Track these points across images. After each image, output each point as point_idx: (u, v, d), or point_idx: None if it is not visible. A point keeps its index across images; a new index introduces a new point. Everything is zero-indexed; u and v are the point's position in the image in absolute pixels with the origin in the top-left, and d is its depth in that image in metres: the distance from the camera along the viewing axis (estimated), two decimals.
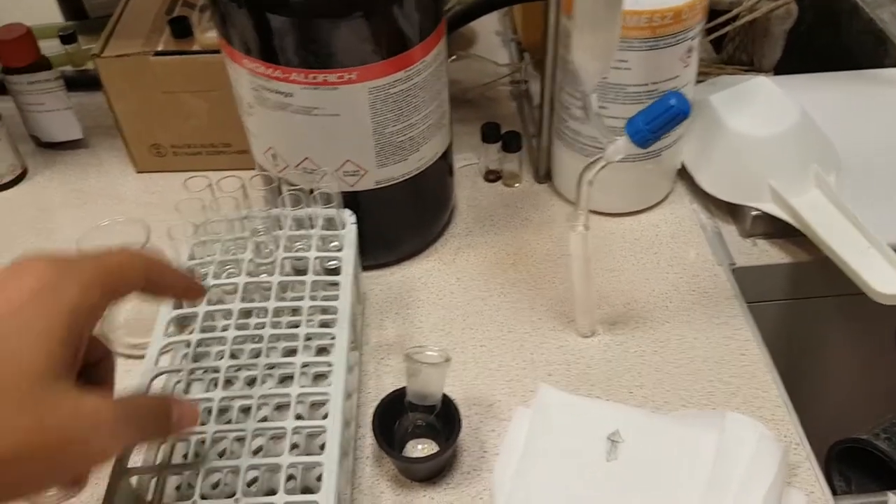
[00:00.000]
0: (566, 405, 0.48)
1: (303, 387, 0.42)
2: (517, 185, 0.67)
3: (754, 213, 0.59)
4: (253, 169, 0.60)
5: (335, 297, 0.49)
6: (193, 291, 0.38)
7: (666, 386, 0.51)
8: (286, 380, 0.49)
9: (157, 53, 0.60)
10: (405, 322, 0.56)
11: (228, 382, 0.43)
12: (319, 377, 0.50)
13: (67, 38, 0.79)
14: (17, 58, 0.67)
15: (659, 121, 0.39)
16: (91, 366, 0.34)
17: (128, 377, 0.53)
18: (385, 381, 0.52)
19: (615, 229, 0.62)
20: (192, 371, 0.43)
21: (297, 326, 0.50)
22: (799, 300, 0.62)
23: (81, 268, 0.30)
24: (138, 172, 0.69)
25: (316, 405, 0.48)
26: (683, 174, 0.64)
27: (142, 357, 0.54)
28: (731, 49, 0.71)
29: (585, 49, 0.40)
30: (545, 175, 0.66)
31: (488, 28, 0.86)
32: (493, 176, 0.68)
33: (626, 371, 0.52)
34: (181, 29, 0.60)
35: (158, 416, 0.33)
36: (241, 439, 0.40)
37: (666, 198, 0.64)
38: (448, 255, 0.61)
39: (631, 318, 0.55)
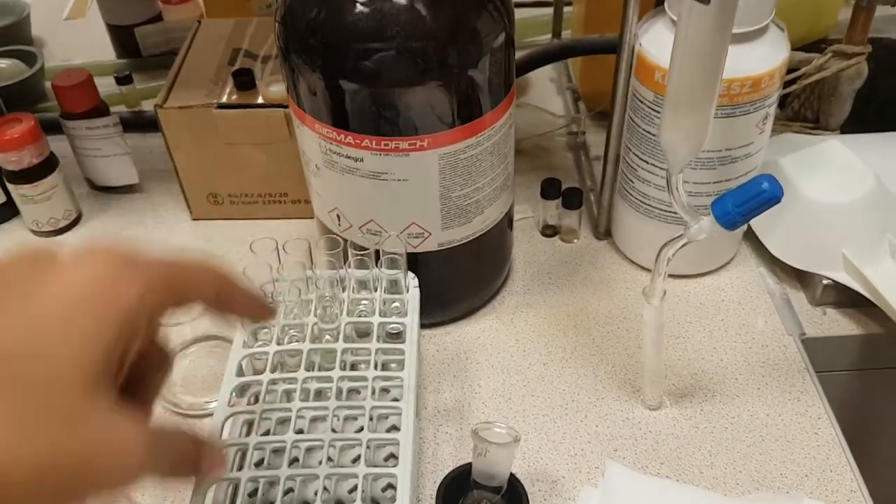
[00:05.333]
0: (636, 486, 0.47)
1: (369, 465, 0.41)
2: (575, 241, 0.66)
3: (825, 281, 0.57)
4: (307, 218, 0.59)
5: (398, 364, 0.47)
6: (265, 314, 0.35)
7: (738, 466, 0.49)
8: (346, 449, 0.48)
9: (221, 106, 0.60)
10: (463, 387, 0.55)
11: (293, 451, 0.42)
12: (379, 447, 0.49)
13: (123, 80, 0.79)
14: (76, 103, 0.67)
15: (750, 204, 0.38)
16: (139, 375, 0.31)
17: None
18: (444, 450, 0.51)
19: (678, 292, 0.60)
20: (258, 443, 0.42)
21: (355, 392, 0.49)
22: (868, 371, 0.60)
23: (148, 269, 0.28)
24: (193, 220, 0.68)
25: (378, 479, 0.47)
26: (748, 235, 0.63)
27: (197, 416, 0.54)
28: (797, 106, 0.69)
29: (678, 130, 0.38)
30: (605, 232, 0.65)
31: (541, 74, 0.85)
32: (550, 231, 0.66)
33: (697, 449, 0.50)
34: (245, 82, 0.60)
35: (189, 460, 0.31)
36: None
37: (731, 260, 0.62)
38: (506, 315, 0.60)
39: (699, 389, 0.53)
